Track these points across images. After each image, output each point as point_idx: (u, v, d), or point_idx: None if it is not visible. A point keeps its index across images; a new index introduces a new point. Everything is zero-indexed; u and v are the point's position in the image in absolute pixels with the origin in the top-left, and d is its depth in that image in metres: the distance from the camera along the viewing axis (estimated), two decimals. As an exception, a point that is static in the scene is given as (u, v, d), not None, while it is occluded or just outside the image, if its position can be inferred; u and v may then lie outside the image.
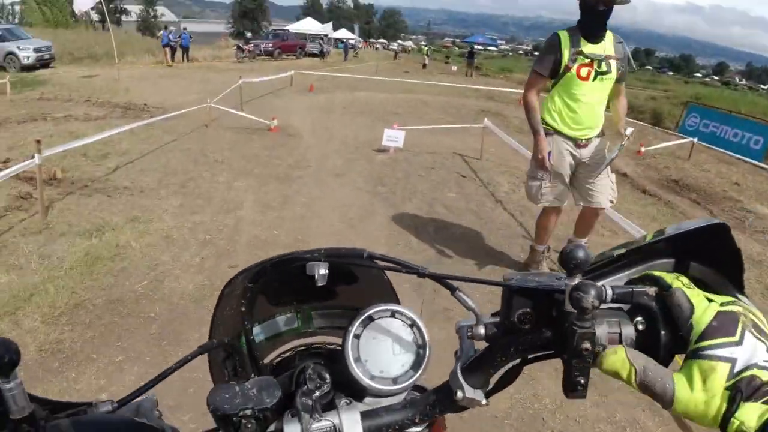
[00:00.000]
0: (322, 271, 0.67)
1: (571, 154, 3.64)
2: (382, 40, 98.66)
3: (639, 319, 0.55)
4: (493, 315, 0.63)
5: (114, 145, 7.15)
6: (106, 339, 3.01)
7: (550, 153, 3.61)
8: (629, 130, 3.59)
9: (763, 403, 0.45)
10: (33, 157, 4.53)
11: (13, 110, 10.20)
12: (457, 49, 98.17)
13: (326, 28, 45.34)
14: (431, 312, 3.35)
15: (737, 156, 10.80)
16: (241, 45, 31.23)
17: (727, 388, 0.46)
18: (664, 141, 10.66)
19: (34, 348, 2.89)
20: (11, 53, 18.90)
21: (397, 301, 0.75)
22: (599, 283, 0.52)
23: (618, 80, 3.54)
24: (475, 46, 36.49)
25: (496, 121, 11.19)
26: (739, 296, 0.55)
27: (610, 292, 0.53)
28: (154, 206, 5.08)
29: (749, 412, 0.45)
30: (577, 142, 3.61)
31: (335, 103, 13.17)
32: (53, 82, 14.98)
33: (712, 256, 0.60)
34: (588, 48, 3.41)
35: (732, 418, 0.45)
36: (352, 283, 0.82)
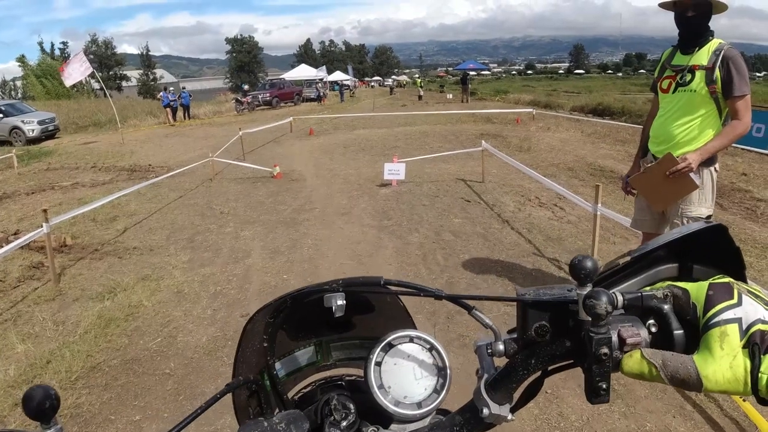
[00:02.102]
0: (339, 302, 0.69)
1: None
2: (376, 78, 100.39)
3: (651, 321, 0.57)
4: (510, 332, 0.65)
5: (122, 208, 7.27)
6: (123, 399, 3.00)
7: (628, 175, 3.45)
8: (696, 179, 3.01)
9: None
10: (41, 226, 4.62)
11: (22, 182, 10.43)
12: (451, 77, 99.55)
13: (321, 73, 46.27)
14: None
15: (741, 146, 10.70)
16: (239, 98, 31.86)
17: (744, 347, 0.49)
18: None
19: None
20: (16, 128, 19.41)
21: (414, 327, 0.77)
22: (610, 291, 0.54)
23: (723, 94, 2.96)
24: (468, 72, 36.87)
25: (496, 143, 11.27)
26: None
27: (620, 298, 0.56)
28: (163, 263, 5.12)
29: None
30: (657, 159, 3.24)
31: (335, 144, 13.33)
32: (59, 152, 15.34)
33: (714, 257, 0.62)
34: (677, 59, 3.15)
35: (759, 374, 0.48)
36: (369, 313, 0.84)
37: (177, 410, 2.87)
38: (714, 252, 0.62)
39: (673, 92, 3.12)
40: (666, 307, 0.57)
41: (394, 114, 20.63)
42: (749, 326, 0.49)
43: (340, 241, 5.54)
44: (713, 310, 0.52)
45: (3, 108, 20.24)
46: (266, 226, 6.18)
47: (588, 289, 0.55)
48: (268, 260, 5.03)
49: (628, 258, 0.64)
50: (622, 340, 0.54)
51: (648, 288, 0.61)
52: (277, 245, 5.46)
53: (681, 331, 0.55)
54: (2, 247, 5.55)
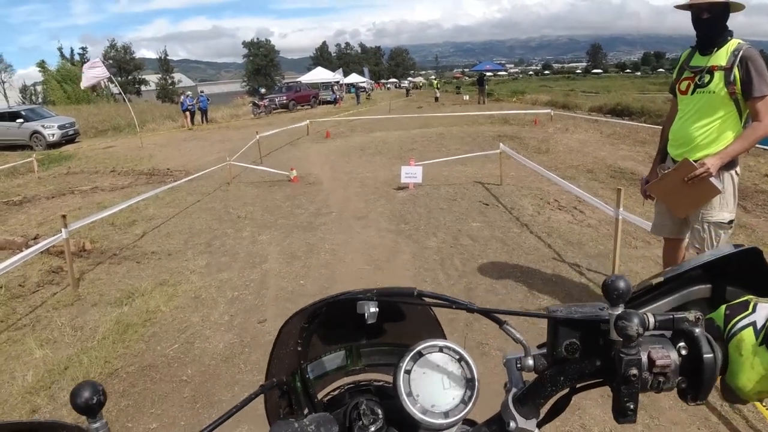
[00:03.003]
0: (372, 309, 0.72)
1: None
2: (392, 80, 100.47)
3: (681, 344, 0.58)
4: (539, 347, 0.67)
5: (140, 212, 7.32)
6: (140, 406, 2.99)
7: (646, 180, 3.37)
8: (718, 183, 2.91)
9: None
10: (60, 231, 4.66)
11: (42, 187, 10.59)
12: (467, 78, 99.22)
13: (337, 75, 46.35)
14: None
15: (764, 147, 10.42)
16: (256, 101, 32.03)
17: (761, 344, 0.53)
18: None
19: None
20: (37, 132, 19.70)
21: (444, 337, 0.79)
22: (641, 311, 0.56)
23: (743, 95, 2.88)
24: (485, 73, 36.65)
25: (513, 145, 11.18)
26: None
27: (652, 319, 0.57)
28: (181, 268, 5.13)
29: None
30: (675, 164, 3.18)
31: (352, 147, 13.33)
32: (79, 156, 15.56)
33: (747, 278, 0.64)
34: (695, 60, 3.08)
35: None
36: (400, 320, 0.86)
37: (194, 418, 2.85)
38: (748, 273, 0.63)
39: (692, 94, 3.05)
40: (697, 330, 0.57)
41: (411, 116, 20.58)
42: (764, 325, 0.53)
43: (357, 245, 5.50)
44: (729, 325, 0.56)
45: (24, 113, 20.59)
46: (283, 230, 6.17)
47: (620, 309, 0.57)
48: (285, 265, 5.01)
49: (660, 279, 0.66)
50: (651, 362, 0.56)
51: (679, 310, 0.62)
52: (294, 250, 5.44)
53: (711, 355, 0.56)
54: (22, 251, 5.65)
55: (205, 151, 14.68)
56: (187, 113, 24.44)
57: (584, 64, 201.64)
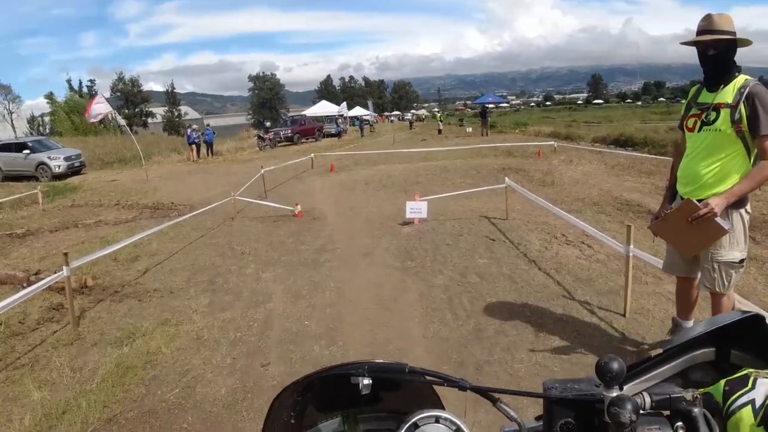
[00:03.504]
0: (365, 381, 0.72)
1: None
2: (396, 112, 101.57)
3: (679, 424, 0.57)
4: (537, 419, 0.67)
5: (143, 247, 7.26)
6: (138, 459, 2.87)
7: (655, 216, 3.31)
8: (725, 223, 2.85)
9: None
10: (62, 268, 4.60)
11: (46, 219, 10.60)
12: (469, 111, 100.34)
13: (342, 109, 46.91)
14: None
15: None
16: (261, 134, 32.36)
17: (758, 424, 0.51)
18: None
19: None
20: (43, 163, 19.89)
21: (440, 404, 0.79)
22: (640, 380, 0.58)
23: (750, 133, 2.83)
24: (487, 105, 37.02)
25: (518, 177, 11.17)
26: None
27: (648, 400, 0.57)
28: (183, 307, 5.04)
29: None
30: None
31: (356, 180, 13.34)
32: (84, 189, 15.62)
33: (751, 342, 0.63)
34: (702, 97, 3.05)
35: None
36: (396, 390, 0.85)
37: (194, 471, 2.73)
38: (752, 338, 0.63)
39: (699, 131, 3.01)
40: (695, 410, 0.56)
41: (414, 149, 20.68)
42: (762, 403, 0.51)
43: (362, 283, 5.41)
44: (728, 402, 0.55)
45: (30, 144, 20.84)
46: (287, 267, 6.09)
47: (614, 392, 0.56)
48: (290, 305, 4.91)
49: (659, 351, 0.67)
50: None
51: (677, 389, 0.61)
52: (299, 288, 5.35)
53: None
54: (23, 286, 5.59)
55: (210, 184, 14.73)
56: (193, 146, 24.68)
57: (585, 94, 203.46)
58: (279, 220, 8.72)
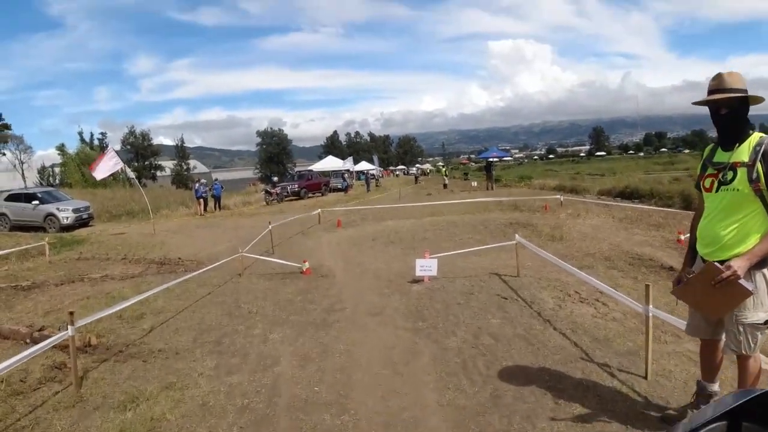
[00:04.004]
0: None
1: None
2: (401, 167, 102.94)
3: None
4: None
5: (149, 304, 7.14)
6: None
7: (678, 280, 3.26)
8: (749, 285, 2.76)
9: None
10: (66, 327, 4.50)
11: (52, 272, 10.51)
12: (473, 164, 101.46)
13: (347, 163, 47.53)
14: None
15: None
16: (268, 189, 32.70)
17: None
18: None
19: None
20: (51, 214, 20.03)
21: None
22: None
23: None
24: (492, 160, 37.50)
25: (526, 232, 11.10)
26: None
27: None
28: (189, 369, 4.88)
29: None
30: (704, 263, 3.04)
31: (364, 236, 13.28)
32: (91, 241, 15.61)
33: (762, 415, 0.64)
34: (718, 156, 3.03)
35: None
36: None
37: None
38: (763, 411, 0.64)
39: (716, 191, 2.98)
40: None
41: (421, 204, 20.74)
42: None
43: (373, 345, 5.25)
44: None
45: (40, 195, 21.06)
46: (295, 327, 5.95)
47: None
48: (298, 369, 4.74)
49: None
50: None
51: None
52: (307, 350, 5.19)
53: None
54: (27, 343, 5.47)
55: (217, 239, 14.71)
56: (201, 200, 24.91)
57: (587, 147, 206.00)
58: (287, 278, 8.61)
